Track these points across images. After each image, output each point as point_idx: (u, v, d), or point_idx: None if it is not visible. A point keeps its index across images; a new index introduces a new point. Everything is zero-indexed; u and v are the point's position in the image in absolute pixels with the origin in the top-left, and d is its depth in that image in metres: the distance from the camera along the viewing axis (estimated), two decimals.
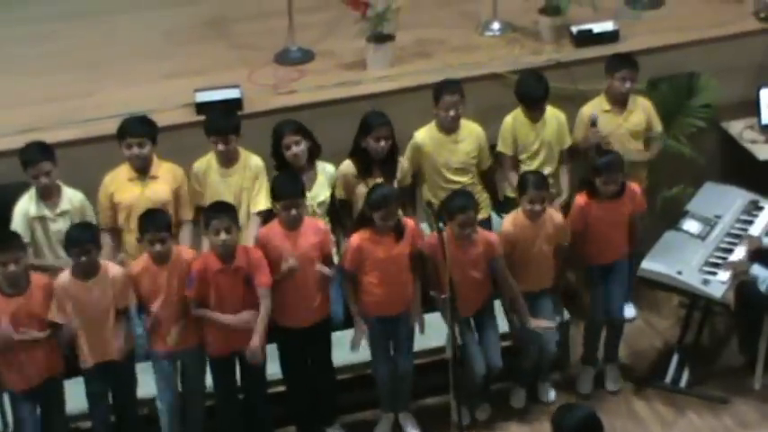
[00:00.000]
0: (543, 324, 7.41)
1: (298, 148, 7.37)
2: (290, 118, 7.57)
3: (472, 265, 7.24)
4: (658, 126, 8.04)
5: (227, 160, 7.43)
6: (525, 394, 7.76)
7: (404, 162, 7.64)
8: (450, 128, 7.67)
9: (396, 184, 7.50)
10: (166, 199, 7.28)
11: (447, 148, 7.69)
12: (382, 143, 7.44)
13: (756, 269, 7.46)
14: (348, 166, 7.56)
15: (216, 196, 7.35)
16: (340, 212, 7.61)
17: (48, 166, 7.18)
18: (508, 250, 7.36)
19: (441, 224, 6.94)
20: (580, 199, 7.55)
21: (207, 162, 7.48)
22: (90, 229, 7.00)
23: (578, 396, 7.78)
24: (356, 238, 7.15)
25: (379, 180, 7.44)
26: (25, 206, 7.28)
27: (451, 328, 7.01)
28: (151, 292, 6.99)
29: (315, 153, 7.49)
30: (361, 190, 7.47)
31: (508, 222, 7.45)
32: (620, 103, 7.92)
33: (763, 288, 7.41)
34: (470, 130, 7.74)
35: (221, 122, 7.43)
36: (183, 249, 7.13)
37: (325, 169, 7.54)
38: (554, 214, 7.46)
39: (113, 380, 7.08)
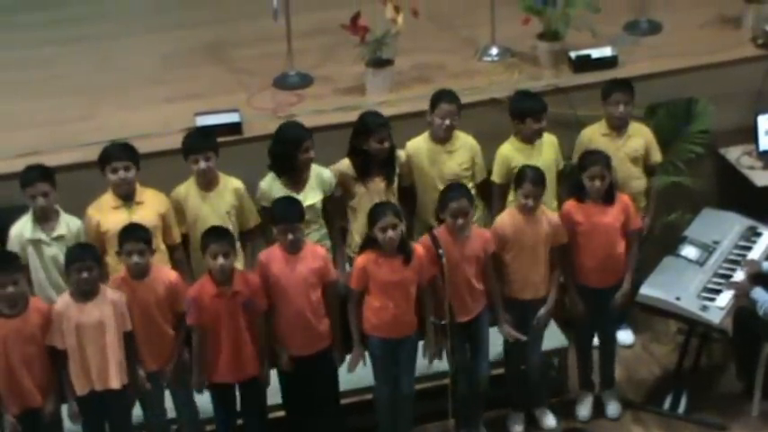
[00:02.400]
0: (512, 334, 7.38)
1: (314, 153, 7.39)
2: (297, 121, 7.66)
3: (469, 262, 7.21)
4: (657, 156, 8.02)
5: (207, 183, 7.39)
6: (524, 418, 7.74)
7: (402, 155, 7.65)
8: (443, 137, 7.67)
9: (396, 181, 7.56)
10: (155, 224, 7.23)
11: (439, 159, 7.68)
12: (386, 144, 7.46)
13: (757, 292, 7.46)
14: (346, 165, 7.57)
15: (199, 221, 7.34)
16: (332, 210, 7.59)
17: (45, 186, 7.15)
18: (500, 247, 7.34)
19: (440, 251, 6.95)
20: (566, 205, 7.54)
21: (186, 188, 7.45)
22: (92, 248, 6.98)
23: (577, 422, 7.77)
24: (362, 259, 7.14)
25: (379, 180, 7.50)
26: (20, 228, 7.25)
27: (449, 352, 7.03)
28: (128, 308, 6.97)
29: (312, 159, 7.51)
30: (360, 191, 7.52)
31: (503, 217, 7.42)
32: (618, 127, 7.92)
33: (761, 312, 7.41)
34: (464, 142, 7.73)
35: (200, 139, 7.41)
36: (165, 269, 7.08)
37: (320, 174, 7.51)
38: (550, 213, 7.42)
39: (109, 409, 7.02)
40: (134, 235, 6.92)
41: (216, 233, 6.97)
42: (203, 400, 7.25)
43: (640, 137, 7.97)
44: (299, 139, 7.39)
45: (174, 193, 7.45)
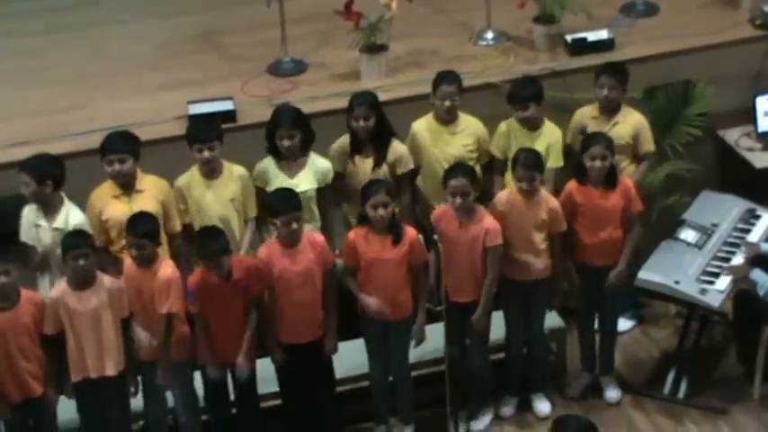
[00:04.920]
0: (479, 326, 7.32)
1: (291, 142, 7.35)
2: (289, 105, 7.58)
3: (472, 245, 7.16)
4: (647, 146, 7.84)
5: (211, 171, 7.35)
6: (516, 402, 7.70)
7: (397, 146, 7.56)
8: (446, 118, 7.64)
9: (387, 168, 7.49)
10: (155, 212, 7.16)
11: (443, 140, 7.65)
12: (361, 122, 7.45)
13: (756, 274, 7.41)
14: (344, 140, 7.59)
15: (203, 209, 7.32)
16: (325, 201, 7.53)
17: (25, 178, 7.08)
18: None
19: (435, 236, 6.91)
20: (569, 185, 7.49)
21: (189, 176, 7.40)
22: (86, 236, 6.92)
23: (566, 399, 7.75)
24: (352, 234, 7.13)
25: (369, 159, 7.48)
26: (28, 209, 7.23)
27: (447, 336, 7.00)
28: (132, 296, 6.94)
29: (308, 142, 7.45)
30: (349, 168, 7.53)
31: (502, 195, 7.40)
32: (609, 111, 7.82)
33: (761, 293, 7.36)
34: (469, 123, 7.70)
35: (205, 130, 7.38)
36: (166, 263, 6.97)
37: (316, 163, 7.46)
38: (549, 199, 7.34)
39: (107, 397, 6.99)
40: (134, 230, 6.88)
41: (207, 236, 6.91)
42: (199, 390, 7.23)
43: (629, 125, 7.81)
44: (276, 124, 7.40)
45: (177, 182, 7.41)
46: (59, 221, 7.18)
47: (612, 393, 7.79)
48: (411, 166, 7.61)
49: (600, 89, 7.76)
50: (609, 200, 7.40)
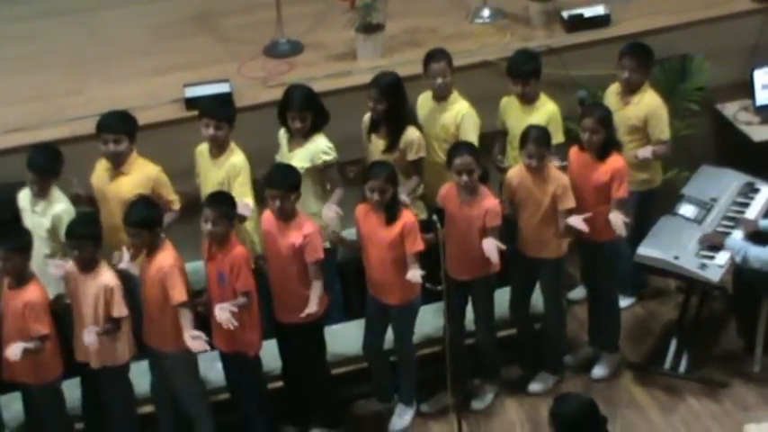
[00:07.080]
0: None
1: (302, 124, 7.35)
2: (303, 85, 7.54)
3: (471, 225, 7.16)
4: (659, 133, 7.72)
5: (216, 149, 7.35)
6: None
7: (411, 132, 7.51)
8: (440, 96, 7.65)
9: (399, 152, 7.49)
10: (130, 198, 7.05)
11: (433, 117, 7.68)
12: (371, 104, 7.48)
13: (731, 241, 7.41)
14: (368, 115, 7.65)
15: (204, 183, 7.38)
16: (329, 179, 7.52)
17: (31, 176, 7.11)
18: (508, 198, 7.35)
19: (434, 217, 6.92)
20: (572, 149, 7.50)
21: (205, 147, 7.42)
22: (88, 225, 6.89)
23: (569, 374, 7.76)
24: (358, 207, 7.15)
25: (382, 140, 7.50)
26: (23, 192, 7.23)
27: (447, 316, 7.00)
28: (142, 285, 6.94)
29: (319, 123, 7.42)
30: (367, 144, 7.60)
31: (514, 170, 7.40)
32: (628, 91, 7.77)
33: (738, 259, 7.36)
34: (459, 106, 7.63)
35: (218, 107, 7.38)
36: (164, 255, 6.84)
37: (316, 143, 7.38)
38: (561, 177, 7.25)
39: (91, 383, 7.04)
40: (125, 217, 6.85)
41: (210, 199, 6.89)
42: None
43: (642, 108, 7.73)
44: (286, 104, 7.40)
45: (197, 148, 7.41)
46: (40, 207, 7.16)
47: (597, 370, 7.76)
48: (422, 153, 7.57)
49: (621, 70, 7.72)
50: (596, 171, 7.36)
